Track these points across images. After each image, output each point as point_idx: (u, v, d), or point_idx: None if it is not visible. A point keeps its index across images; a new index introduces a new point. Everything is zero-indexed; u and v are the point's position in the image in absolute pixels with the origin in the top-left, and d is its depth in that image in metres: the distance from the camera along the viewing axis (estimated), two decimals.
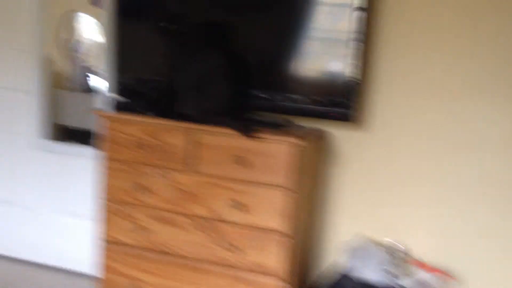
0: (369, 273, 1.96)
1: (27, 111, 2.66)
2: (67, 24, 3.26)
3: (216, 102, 1.92)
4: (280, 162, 1.83)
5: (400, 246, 2.06)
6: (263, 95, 2.04)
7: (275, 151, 1.83)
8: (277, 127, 1.90)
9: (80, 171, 2.59)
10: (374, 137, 2.11)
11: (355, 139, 2.13)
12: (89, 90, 3.22)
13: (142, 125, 1.98)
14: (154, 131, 1.97)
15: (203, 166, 1.93)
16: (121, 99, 2.16)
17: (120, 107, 2.09)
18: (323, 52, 2.00)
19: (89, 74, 3.27)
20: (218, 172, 1.91)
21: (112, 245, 2.09)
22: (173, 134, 1.94)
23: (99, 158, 2.08)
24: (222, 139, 1.89)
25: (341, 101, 1.96)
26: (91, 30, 3.24)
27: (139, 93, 2.16)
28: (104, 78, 2.49)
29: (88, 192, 2.52)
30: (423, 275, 1.98)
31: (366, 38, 1.98)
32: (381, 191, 2.13)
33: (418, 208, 2.10)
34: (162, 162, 1.97)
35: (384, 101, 2.08)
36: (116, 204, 2.05)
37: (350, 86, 1.95)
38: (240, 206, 1.89)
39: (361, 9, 1.90)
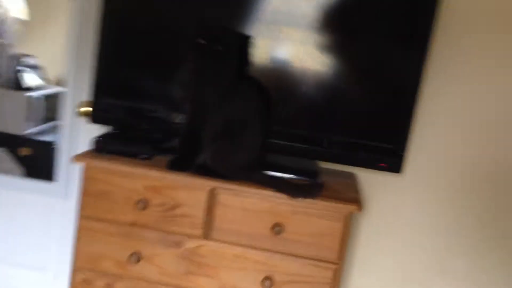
0: None
1: None
2: None
3: (250, 155, 1.47)
4: (328, 232, 1.45)
5: None
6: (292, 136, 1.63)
7: (324, 218, 1.45)
8: (315, 189, 1.48)
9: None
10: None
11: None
12: (19, 87, 2.55)
13: (148, 180, 1.48)
14: (163, 188, 1.48)
15: (226, 233, 1.49)
16: (105, 133, 1.63)
17: (103, 146, 1.56)
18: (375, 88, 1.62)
19: (21, 67, 2.60)
20: (247, 241, 1.49)
21: None
22: (192, 193, 1.47)
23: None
24: (254, 201, 1.46)
25: (393, 147, 1.61)
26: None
27: (134, 128, 1.64)
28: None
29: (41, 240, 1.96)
30: None
31: None
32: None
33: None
34: (171, 226, 1.50)
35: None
36: (99, 277, 1.55)
37: (404, 130, 1.60)
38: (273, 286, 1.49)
39: None
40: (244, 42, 1.50)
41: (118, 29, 1.65)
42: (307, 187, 1.45)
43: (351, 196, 1.49)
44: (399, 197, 1.86)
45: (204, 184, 1.46)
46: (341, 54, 1.60)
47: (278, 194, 1.43)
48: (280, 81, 1.62)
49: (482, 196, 1.83)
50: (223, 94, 1.44)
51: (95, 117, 1.69)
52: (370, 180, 1.81)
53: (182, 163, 1.49)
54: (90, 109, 1.67)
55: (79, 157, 1.51)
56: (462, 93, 1.78)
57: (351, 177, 1.73)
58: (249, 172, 1.47)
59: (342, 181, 1.65)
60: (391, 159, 1.61)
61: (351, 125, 1.63)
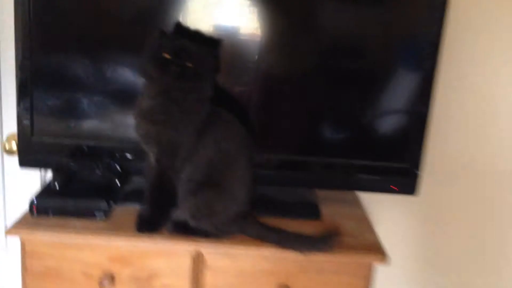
0: None
1: None
2: None
3: (241, 202, 1.15)
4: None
5: None
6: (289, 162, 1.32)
7: (341, 274, 1.16)
8: (329, 240, 1.14)
9: None
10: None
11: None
12: None
13: (112, 249, 1.14)
14: (134, 257, 1.14)
15: None
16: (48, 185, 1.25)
17: (44, 208, 1.19)
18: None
19: None
20: None
21: None
22: (172, 259, 1.15)
23: None
24: (251, 261, 1.16)
25: (405, 166, 1.33)
26: None
27: (80, 171, 1.27)
28: None
29: None
30: None
31: None
32: None
33: None
34: None
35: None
36: None
37: (418, 144, 1.32)
38: None
39: None
40: (216, 52, 1.15)
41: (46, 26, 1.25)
42: (318, 237, 1.14)
43: (371, 241, 1.21)
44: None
45: (187, 247, 1.13)
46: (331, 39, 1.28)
47: (281, 250, 1.12)
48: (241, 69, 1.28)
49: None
50: (200, 128, 1.10)
51: (23, 159, 1.30)
52: (375, 202, 1.52)
53: (154, 221, 1.14)
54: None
55: (14, 229, 1.13)
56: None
57: (356, 203, 1.44)
58: (242, 224, 1.15)
59: (349, 212, 1.36)
60: (403, 179, 1.34)
61: (350, 143, 1.34)
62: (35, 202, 1.17)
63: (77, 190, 1.22)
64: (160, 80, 1.07)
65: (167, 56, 1.06)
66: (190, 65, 1.06)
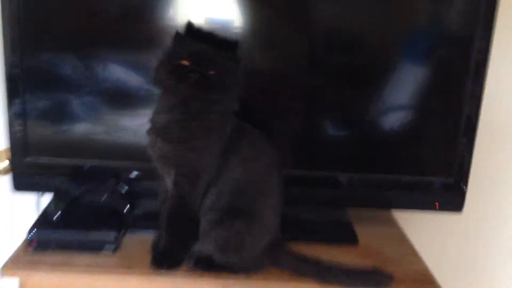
0: None
1: None
2: None
3: (273, 230, 1.00)
4: None
5: None
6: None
7: None
8: (381, 280, 0.98)
9: None
10: None
11: None
12: None
13: None
14: None
15: None
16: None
17: (44, 242, 1.02)
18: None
19: None
20: None
21: None
22: None
23: None
24: None
25: (452, 182, 1.18)
26: None
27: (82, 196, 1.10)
28: None
29: None
30: None
31: None
32: None
33: None
34: None
35: None
36: None
37: (465, 155, 1.17)
38: None
39: None
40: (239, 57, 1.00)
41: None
42: (367, 271, 0.99)
43: (419, 270, 1.06)
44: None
45: (213, 286, 0.97)
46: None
47: (323, 285, 0.97)
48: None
49: None
50: (225, 146, 0.94)
51: (18, 182, 1.14)
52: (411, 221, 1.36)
53: (173, 256, 0.98)
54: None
55: (11, 268, 0.96)
56: None
57: (390, 221, 1.29)
58: (274, 255, 1.00)
59: (386, 233, 1.21)
60: (448, 195, 1.19)
61: (386, 155, 1.18)
62: (34, 235, 1.01)
63: (80, 218, 1.06)
64: (177, 90, 0.91)
65: (185, 62, 0.90)
66: (212, 72, 0.90)
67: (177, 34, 0.96)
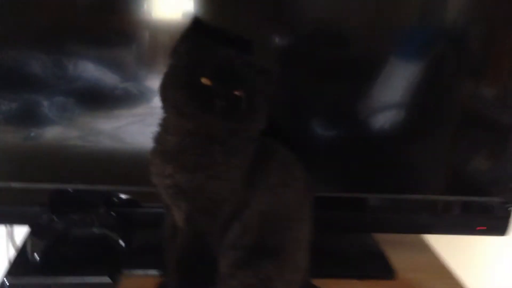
0: None
1: None
2: None
3: (304, 269, 0.83)
4: None
5: None
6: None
7: None
8: None
9: None
10: None
11: None
12: None
13: None
14: None
15: None
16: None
17: None
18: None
19: None
20: None
21: None
22: None
23: None
24: None
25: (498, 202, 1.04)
26: None
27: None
28: None
29: None
30: None
31: None
32: None
33: None
34: None
35: None
36: None
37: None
38: None
39: None
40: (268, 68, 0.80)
41: None
42: None
43: None
44: None
45: None
46: None
47: None
48: None
49: None
50: (251, 172, 0.76)
51: None
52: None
53: None
54: None
55: None
56: None
57: (423, 247, 1.13)
58: None
59: (423, 262, 1.07)
60: (491, 217, 1.04)
61: (422, 174, 1.02)
62: (9, 282, 0.81)
63: (65, 259, 0.86)
64: (196, 117, 0.71)
65: (207, 82, 0.70)
66: (240, 94, 0.71)
67: (189, 33, 0.77)
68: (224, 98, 0.69)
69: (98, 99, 0.92)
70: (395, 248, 1.06)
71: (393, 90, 0.94)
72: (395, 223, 1.04)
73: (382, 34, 0.92)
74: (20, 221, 0.97)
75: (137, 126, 0.91)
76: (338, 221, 1.01)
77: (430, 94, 0.95)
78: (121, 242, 0.92)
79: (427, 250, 1.10)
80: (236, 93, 0.70)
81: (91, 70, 0.91)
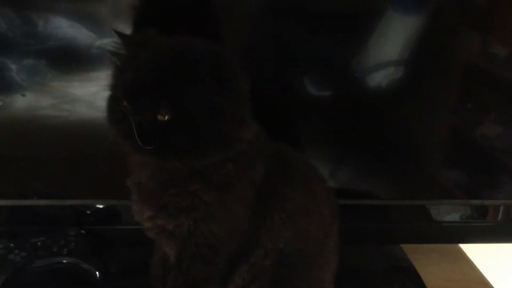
0: None
1: None
2: None
3: None
4: None
5: None
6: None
7: None
8: None
9: None
10: None
11: None
12: None
13: None
14: None
15: None
16: None
17: None
18: None
19: None
20: None
21: None
22: None
23: None
24: None
25: None
26: None
27: None
28: None
29: None
30: None
31: None
32: None
33: None
34: None
35: None
36: None
37: None
38: None
39: None
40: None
41: None
42: None
43: None
44: None
45: None
46: None
47: None
48: None
49: None
50: (260, 199, 0.57)
51: None
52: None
53: None
54: None
55: None
56: None
57: (458, 255, 0.97)
58: None
59: (458, 276, 0.91)
60: None
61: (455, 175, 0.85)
62: None
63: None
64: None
65: (125, 105, 0.51)
66: (164, 117, 0.50)
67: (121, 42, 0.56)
68: (139, 127, 0.49)
69: (73, 60, 0.76)
70: (422, 255, 0.91)
71: (390, 46, 0.76)
72: (424, 232, 0.88)
73: None
74: None
75: None
76: (362, 231, 0.85)
77: (431, 51, 0.77)
78: (96, 273, 0.74)
79: (459, 256, 0.95)
80: (160, 117, 0.50)
81: (64, 27, 0.76)
